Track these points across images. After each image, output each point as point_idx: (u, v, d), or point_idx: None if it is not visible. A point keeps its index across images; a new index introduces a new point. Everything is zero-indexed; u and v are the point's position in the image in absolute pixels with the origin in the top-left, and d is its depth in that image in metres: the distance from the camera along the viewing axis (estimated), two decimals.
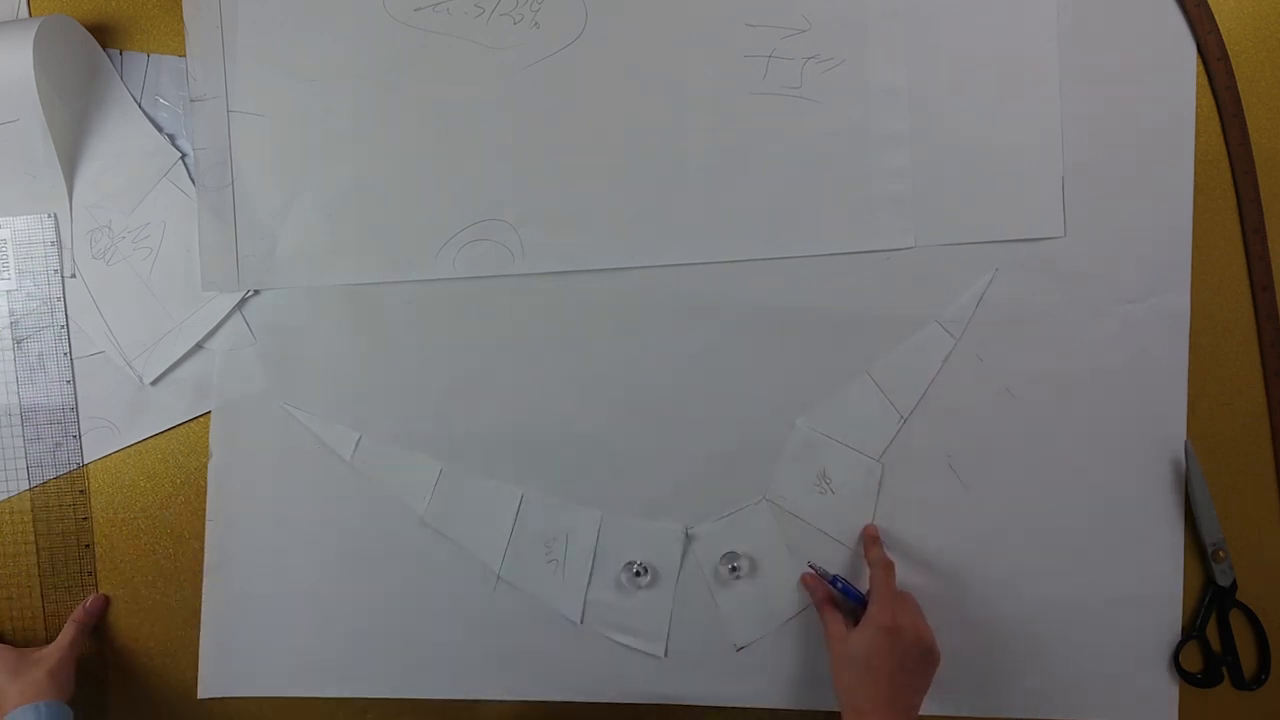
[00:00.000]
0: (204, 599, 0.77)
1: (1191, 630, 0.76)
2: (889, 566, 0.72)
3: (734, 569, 0.75)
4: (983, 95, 0.75)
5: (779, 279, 0.76)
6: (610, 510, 0.76)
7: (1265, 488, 0.77)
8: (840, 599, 0.73)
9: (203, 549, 0.77)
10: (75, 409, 0.77)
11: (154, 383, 0.77)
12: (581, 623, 0.76)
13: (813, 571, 0.74)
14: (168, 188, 0.77)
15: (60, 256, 0.77)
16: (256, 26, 0.76)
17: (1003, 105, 0.75)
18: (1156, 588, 0.75)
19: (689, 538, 0.76)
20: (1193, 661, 0.76)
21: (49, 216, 0.77)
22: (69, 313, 0.77)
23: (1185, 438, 0.76)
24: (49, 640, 0.76)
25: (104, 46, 0.77)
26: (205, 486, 0.77)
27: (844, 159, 0.76)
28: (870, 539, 0.75)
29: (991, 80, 0.75)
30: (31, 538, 0.78)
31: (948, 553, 0.76)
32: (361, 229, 0.77)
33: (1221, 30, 0.75)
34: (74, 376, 0.77)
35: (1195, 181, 0.76)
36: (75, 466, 0.77)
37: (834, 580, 0.73)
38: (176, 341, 0.77)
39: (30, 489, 0.78)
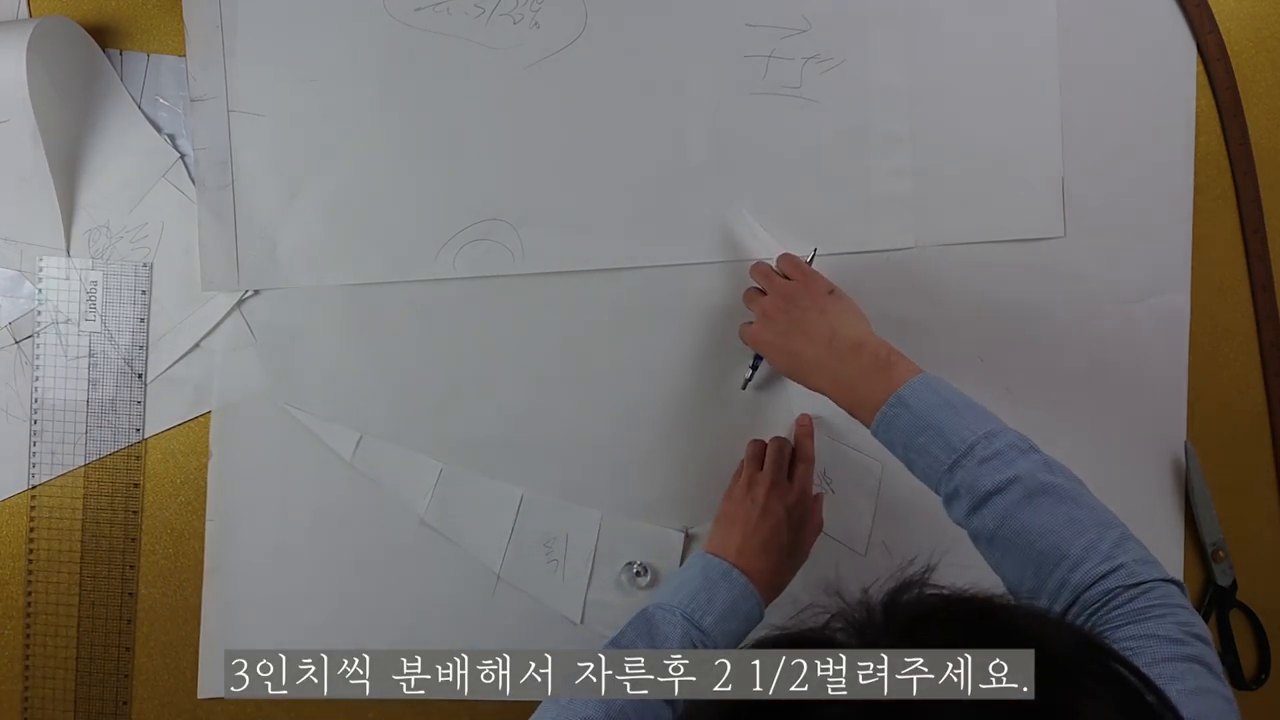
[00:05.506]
0: (204, 599, 0.77)
1: None
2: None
3: None
4: (983, 95, 0.75)
5: None
6: (610, 511, 0.76)
7: (1265, 488, 0.77)
8: None
9: (203, 549, 0.77)
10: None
11: (153, 382, 0.77)
12: (581, 623, 0.76)
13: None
14: (166, 188, 0.77)
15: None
16: (256, 26, 0.76)
17: (1003, 105, 0.75)
18: None
19: (689, 538, 0.76)
20: None
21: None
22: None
23: (1185, 438, 0.76)
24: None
25: (104, 47, 0.77)
26: (205, 486, 0.77)
27: (844, 159, 0.76)
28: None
29: (991, 80, 0.75)
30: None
31: (947, 553, 0.75)
32: (361, 229, 0.76)
33: (1221, 30, 0.75)
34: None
35: (1195, 181, 0.76)
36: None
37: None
38: (175, 341, 0.77)
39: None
